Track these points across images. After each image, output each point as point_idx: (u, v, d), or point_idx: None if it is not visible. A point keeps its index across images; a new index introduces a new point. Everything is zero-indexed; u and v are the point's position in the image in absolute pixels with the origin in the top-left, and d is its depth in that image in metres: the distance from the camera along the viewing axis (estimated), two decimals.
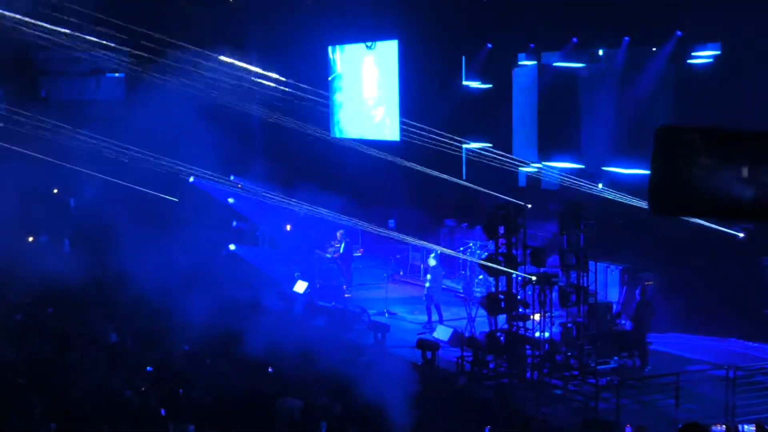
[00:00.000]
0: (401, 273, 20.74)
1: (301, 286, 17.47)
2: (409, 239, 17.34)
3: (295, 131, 17.54)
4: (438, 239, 19.86)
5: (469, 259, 18.12)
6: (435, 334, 15.43)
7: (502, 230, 13.74)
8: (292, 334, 12.42)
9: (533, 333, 13.45)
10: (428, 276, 16.49)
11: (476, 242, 19.21)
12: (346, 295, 18.46)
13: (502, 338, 13.55)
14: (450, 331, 15.27)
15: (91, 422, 8.83)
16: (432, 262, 16.88)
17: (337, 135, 21.40)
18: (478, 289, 17.74)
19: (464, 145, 18.36)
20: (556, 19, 16.61)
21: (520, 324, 13.58)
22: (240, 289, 15.22)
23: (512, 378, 13.26)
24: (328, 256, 18.90)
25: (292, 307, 16.62)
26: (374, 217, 17.68)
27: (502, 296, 13.57)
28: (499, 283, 13.70)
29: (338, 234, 18.96)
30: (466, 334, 14.66)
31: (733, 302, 14.22)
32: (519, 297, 13.66)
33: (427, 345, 13.75)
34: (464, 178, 18.55)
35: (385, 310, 17.46)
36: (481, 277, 18.10)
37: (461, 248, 19.34)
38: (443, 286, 17.63)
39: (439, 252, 17.58)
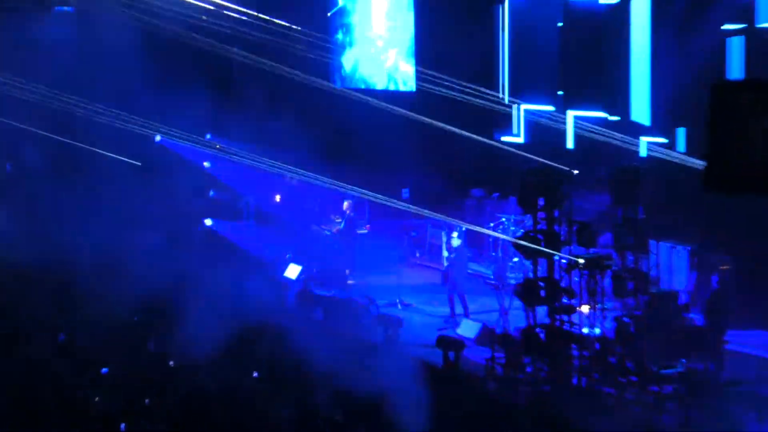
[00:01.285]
0: (417, 255, 20.68)
1: (293, 271, 17.57)
2: (427, 213, 17.28)
3: (286, 81, 17.46)
4: (463, 213, 19.74)
5: (501, 237, 18.08)
6: (459, 330, 15.43)
7: (541, 202, 13.61)
8: (282, 330, 12.44)
9: (580, 329, 13.45)
10: (448, 255, 16.55)
11: (510, 216, 19.13)
12: (349, 282, 18.48)
13: (541, 335, 13.50)
14: (477, 326, 15.27)
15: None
16: (455, 241, 16.84)
17: (340, 84, 21.24)
18: (512, 275, 17.67)
19: (523, 106, 18.53)
20: None
21: (565, 318, 13.49)
22: (219, 273, 15.27)
23: (554, 384, 13.19)
24: (328, 233, 19.01)
25: (282, 297, 16.62)
26: (384, 186, 17.77)
27: (541, 283, 13.49)
28: (538, 267, 13.64)
29: (345, 205, 19.05)
30: (498, 330, 14.67)
31: None
32: (563, 284, 13.59)
33: (450, 343, 13.75)
34: (524, 140, 18.57)
35: (397, 301, 17.46)
36: (516, 259, 17.98)
37: (491, 224, 19.25)
38: (469, 271, 17.56)
39: (464, 229, 17.46)
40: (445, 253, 16.86)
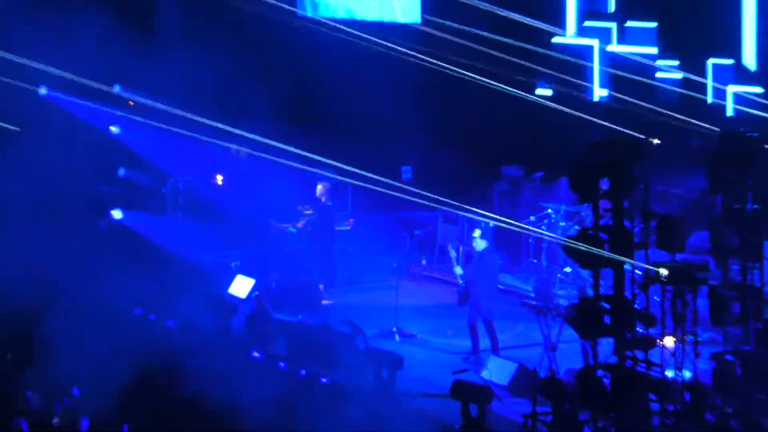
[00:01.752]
0: (423, 262, 20.79)
1: (242, 286, 17.68)
2: (439, 202, 16.98)
3: (233, 9, 17.31)
4: (490, 202, 19.77)
5: (547, 236, 18.13)
6: (484, 374, 15.38)
7: (605, 185, 13.40)
8: (224, 372, 12.48)
9: (663, 371, 13.29)
10: (468, 263, 16.57)
11: (559, 207, 19.26)
12: (324, 302, 18.60)
13: (605, 380, 13.27)
14: (512, 367, 15.35)
15: None
16: (479, 243, 16.83)
17: (311, 12, 21.37)
18: (562, 292, 17.66)
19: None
20: None
21: (640, 355, 13.32)
22: (130, 289, 15.29)
23: None
24: (293, 230, 19.10)
25: (225, 325, 16.69)
26: (376, 163, 17.45)
27: (605, 305, 13.30)
28: (601, 282, 13.46)
29: (318, 191, 19.31)
30: (541, 373, 14.64)
31: None
32: (637, 306, 13.45)
33: (471, 392, 13.65)
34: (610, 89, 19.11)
35: (394, 330, 17.57)
36: (568, 270, 18.03)
37: (532, 218, 19.29)
38: (499, 287, 17.59)
39: (491, 225, 17.42)
40: (458, 270, 16.94)
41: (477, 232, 17.06)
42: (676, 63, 20.34)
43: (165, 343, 14.08)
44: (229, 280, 18.08)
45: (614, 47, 20.29)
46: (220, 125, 16.20)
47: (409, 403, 14.40)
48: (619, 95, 19.02)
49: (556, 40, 20.41)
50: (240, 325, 17.03)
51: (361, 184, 16.49)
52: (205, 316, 16.65)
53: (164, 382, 13.56)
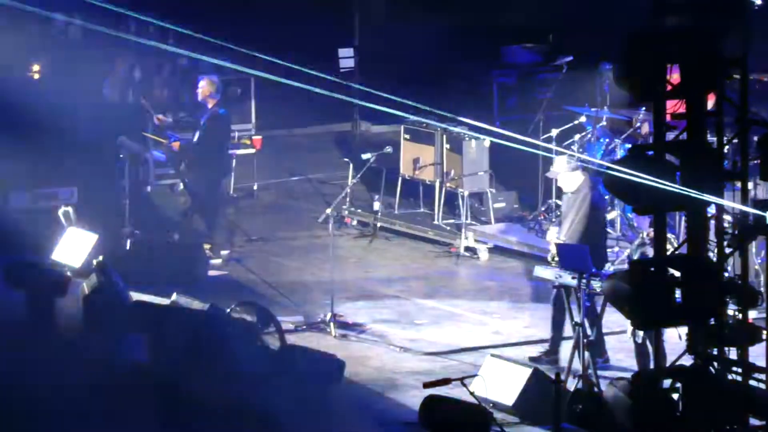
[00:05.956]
0: (377, 206, 21.64)
1: (75, 247, 18.00)
2: (399, 107, 16.13)
3: None
4: (486, 106, 20.32)
5: (575, 159, 18.12)
6: (477, 386, 14.73)
7: (675, 73, 13.28)
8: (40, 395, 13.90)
9: None
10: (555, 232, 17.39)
11: (598, 112, 20.22)
12: (212, 272, 19.25)
13: (675, 395, 13.36)
14: (522, 374, 15.82)
15: None
16: (569, 177, 17.17)
17: None
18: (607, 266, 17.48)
19: None
20: None
21: (731, 354, 13.27)
22: None
23: None
24: (160, 154, 19.87)
25: (47, 309, 17.06)
26: (296, 44, 16.85)
27: (674, 271, 13.27)
28: (669, 233, 13.79)
29: (203, 89, 20.04)
30: (568, 383, 15.49)
31: None
32: (728, 273, 13.37)
33: (455, 418, 13.73)
34: None
35: (328, 317, 17.97)
36: (614, 214, 18.31)
37: (555, 131, 20.46)
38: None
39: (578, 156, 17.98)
40: (551, 233, 17.51)
41: (560, 162, 17.46)
42: None
43: None
44: (55, 239, 18.17)
45: None
46: None
47: None
48: None
49: None
50: (73, 313, 16.94)
51: (271, 78, 16.03)
52: (13, 298, 16.93)
53: None
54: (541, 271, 17.46)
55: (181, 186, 20.88)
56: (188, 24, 15.87)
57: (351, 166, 20.86)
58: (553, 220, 19.23)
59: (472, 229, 20.65)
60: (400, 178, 21.98)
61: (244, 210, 20.97)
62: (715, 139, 13.35)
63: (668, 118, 13.42)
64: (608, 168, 13.92)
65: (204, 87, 19.45)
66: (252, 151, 21.11)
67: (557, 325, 17.03)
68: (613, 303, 14.04)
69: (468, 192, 20.42)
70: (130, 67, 22.24)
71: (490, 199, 21.00)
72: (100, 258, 17.39)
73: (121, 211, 19.21)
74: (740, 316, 13.35)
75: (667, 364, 13.76)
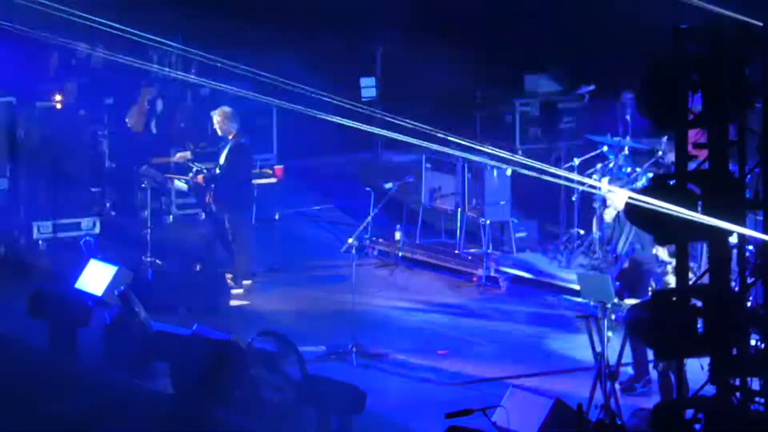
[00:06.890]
0: (398, 236, 21.97)
1: (97, 276, 17.85)
2: (421, 136, 16.35)
3: None
4: (508, 136, 19.52)
5: (588, 187, 18.49)
6: (499, 416, 15.10)
7: (698, 103, 13.19)
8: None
9: None
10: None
11: (619, 142, 20.20)
12: (233, 302, 19.32)
13: (698, 426, 13.43)
14: (544, 404, 15.69)
15: None
16: (616, 197, 17.22)
17: None
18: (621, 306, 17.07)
19: None
20: None
21: (755, 385, 13.35)
22: None
23: None
24: (184, 185, 19.46)
25: (69, 339, 17.09)
26: (318, 72, 16.96)
27: (697, 301, 13.27)
28: (691, 263, 13.86)
29: (218, 119, 20.15)
30: (591, 414, 15.30)
31: None
32: (751, 303, 13.60)
33: None
34: None
35: (350, 347, 18.16)
36: (639, 246, 17.70)
37: (576, 160, 20.50)
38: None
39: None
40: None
41: (603, 182, 17.70)
42: None
43: None
44: (78, 269, 18.01)
45: None
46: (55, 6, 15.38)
47: None
48: None
49: None
50: (94, 341, 17.07)
51: (292, 107, 16.43)
52: (34, 328, 16.82)
53: None
54: (567, 301, 17.74)
55: (203, 215, 20.43)
56: (211, 52, 16.28)
57: (373, 195, 20.93)
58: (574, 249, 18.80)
59: (493, 258, 20.61)
60: (421, 208, 22.26)
61: (265, 239, 21.02)
62: (737, 168, 13.29)
63: (690, 147, 13.52)
64: (630, 198, 14.04)
65: (219, 121, 19.78)
66: (273, 180, 20.86)
67: (639, 349, 17.20)
68: (635, 333, 14.27)
69: (490, 221, 20.54)
70: (153, 98, 22.01)
71: (512, 229, 21.08)
72: (123, 288, 17.56)
73: (143, 241, 19.18)
74: (763, 346, 13.32)
75: (690, 395, 13.59)
